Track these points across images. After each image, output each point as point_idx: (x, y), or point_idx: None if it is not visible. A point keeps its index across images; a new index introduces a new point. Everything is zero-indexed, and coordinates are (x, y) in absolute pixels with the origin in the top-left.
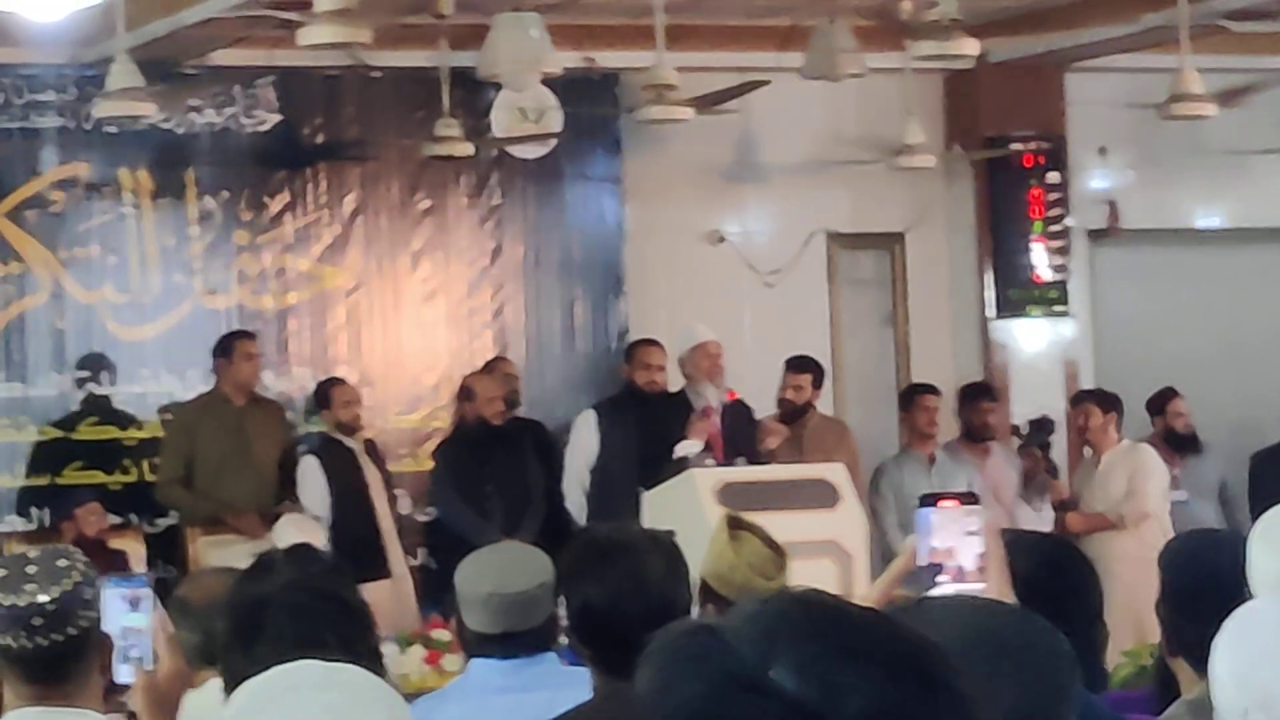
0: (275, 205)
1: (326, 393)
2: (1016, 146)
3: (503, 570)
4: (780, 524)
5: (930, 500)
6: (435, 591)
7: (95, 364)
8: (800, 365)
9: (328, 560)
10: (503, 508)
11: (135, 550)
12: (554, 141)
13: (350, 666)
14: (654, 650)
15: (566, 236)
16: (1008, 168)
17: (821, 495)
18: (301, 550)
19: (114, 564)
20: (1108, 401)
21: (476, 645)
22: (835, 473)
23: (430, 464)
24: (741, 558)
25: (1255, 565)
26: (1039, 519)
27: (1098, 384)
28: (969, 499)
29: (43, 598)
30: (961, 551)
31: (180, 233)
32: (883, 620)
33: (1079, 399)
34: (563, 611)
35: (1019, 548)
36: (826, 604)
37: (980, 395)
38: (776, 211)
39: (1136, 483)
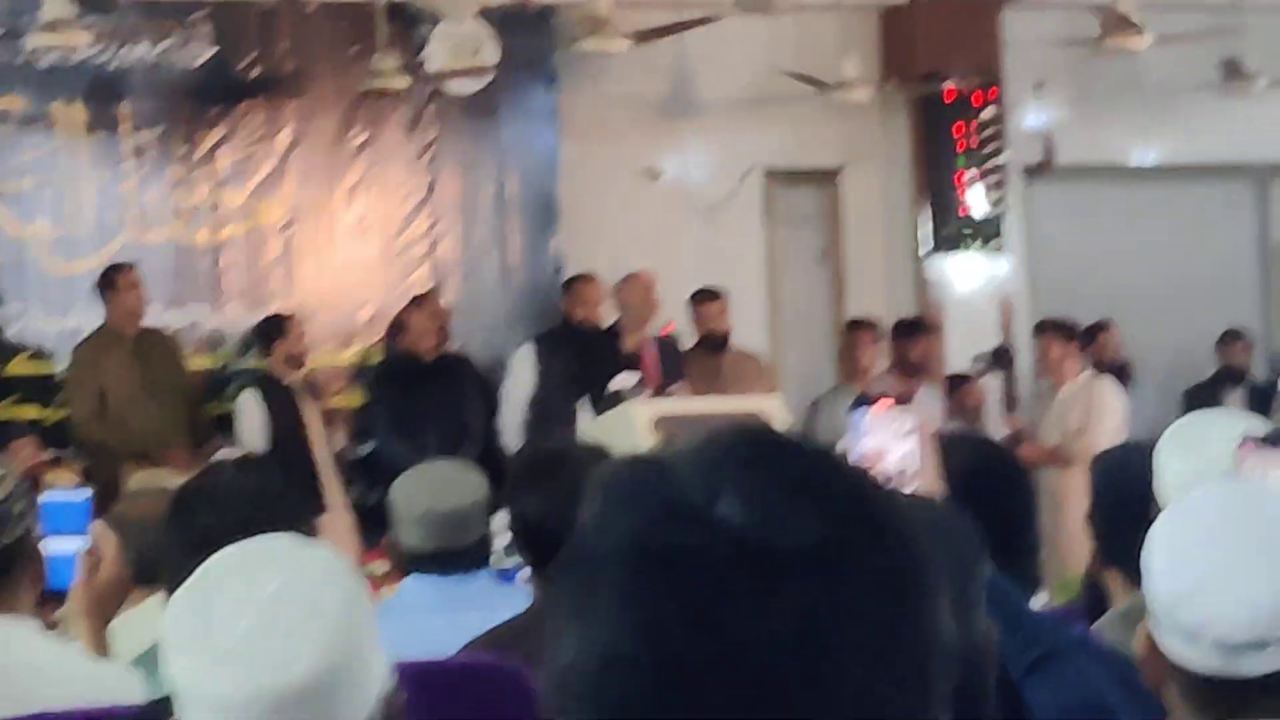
0: (210, 139)
1: (278, 326)
2: (952, 82)
3: (437, 488)
4: None
5: (865, 402)
6: (372, 526)
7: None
8: (712, 294)
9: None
10: (438, 442)
11: (69, 484)
12: (489, 76)
13: (316, 547)
14: (595, 484)
15: (502, 171)
16: (943, 104)
17: None
18: (251, 460)
19: None
20: (1068, 331)
21: (411, 562)
22: (770, 404)
23: (363, 399)
24: None
25: (1165, 470)
26: None
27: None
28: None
29: None
30: (895, 452)
31: (114, 167)
32: (831, 457)
33: (1041, 328)
34: (506, 524)
35: (951, 449)
36: (775, 438)
37: (916, 331)
38: (713, 147)
39: (1091, 419)
